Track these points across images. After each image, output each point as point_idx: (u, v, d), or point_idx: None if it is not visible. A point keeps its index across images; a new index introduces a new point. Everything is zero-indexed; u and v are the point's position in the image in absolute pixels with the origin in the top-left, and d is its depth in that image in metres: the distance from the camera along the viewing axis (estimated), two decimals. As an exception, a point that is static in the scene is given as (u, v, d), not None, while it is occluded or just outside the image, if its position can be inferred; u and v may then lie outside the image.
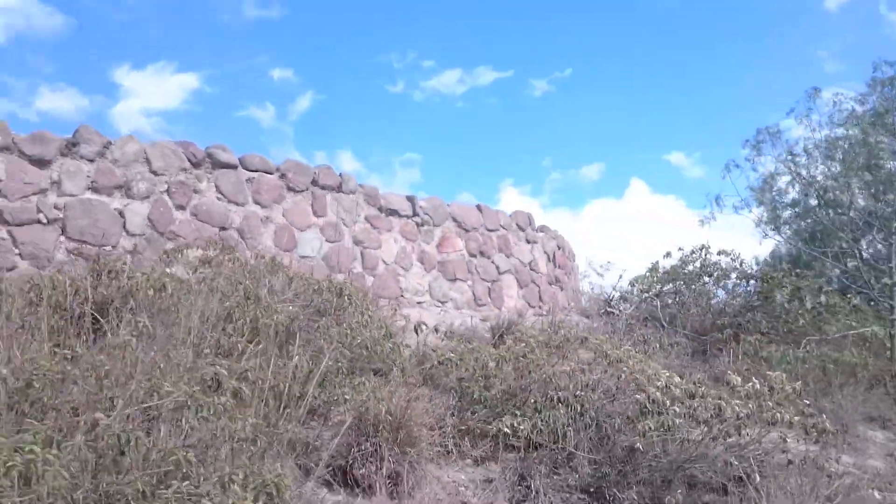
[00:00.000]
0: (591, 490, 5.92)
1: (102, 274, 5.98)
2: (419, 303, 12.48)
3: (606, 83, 44.30)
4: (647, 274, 14.90)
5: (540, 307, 14.93)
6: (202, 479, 3.20)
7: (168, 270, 6.82)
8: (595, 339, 7.26)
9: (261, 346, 4.94)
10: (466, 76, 42.46)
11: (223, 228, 10.34)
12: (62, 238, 9.18)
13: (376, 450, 5.42)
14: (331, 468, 5.26)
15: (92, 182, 9.46)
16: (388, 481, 5.45)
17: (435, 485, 5.76)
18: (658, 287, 14.42)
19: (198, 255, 7.09)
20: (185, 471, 3.13)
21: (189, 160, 10.31)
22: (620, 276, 15.55)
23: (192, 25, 39.49)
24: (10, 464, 3.14)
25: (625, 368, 6.61)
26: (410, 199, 12.92)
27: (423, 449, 5.69)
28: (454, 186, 50.75)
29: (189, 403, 3.55)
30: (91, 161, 9.53)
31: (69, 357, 3.88)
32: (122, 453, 3.23)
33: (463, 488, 5.83)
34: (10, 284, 5.39)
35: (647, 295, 14.43)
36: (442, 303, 12.87)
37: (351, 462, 5.38)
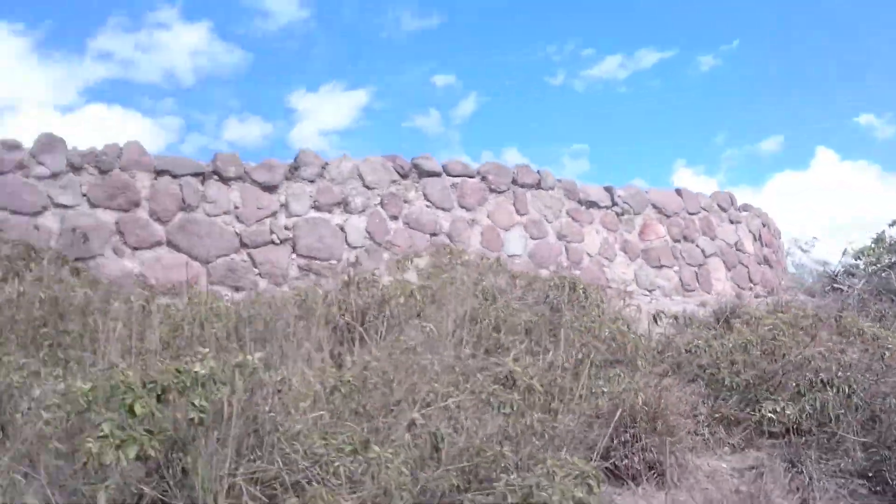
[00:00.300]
0: (870, 475, 5.56)
1: (351, 286, 6.36)
2: (626, 292, 12.27)
3: (778, 50, 41.29)
4: (873, 245, 13.77)
5: (751, 289, 14.25)
6: (507, 471, 3.31)
7: (402, 277, 7.13)
8: (849, 317, 6.81)
9: (524, 345, 5.07)
10: (628, 60, 41.19)
11: (433, 234, 10.69)
12: (293, 256, 9.88)
13: (636, 440, 5.37)
14: (593, 459, 5.27)
15: (314, 202, 10.11)
16: (650, 471, 5.40)
17: (698, 473, 5.63)
18: (888, 258, 13.28)
19: (429, 262, 7.39)
20: (503, 464, 3.27)
21: (397, 172, 10.76)
22: (845, 251, 14.43)
23: (356, 45, 41.24)
24: (336, 463, 3.40)
25: (889, 346, 6.14)
26: (608, 189, 12.75)
27: (682, 438, 5.57)
28: (624, 173, 49.28)
29: (491, 400, 3.70)
30: (312, 182, 10.18)
31: (364, 364, 4.16)
32: (437, 449, 3.42)
33: (728, 476, 5.65)
34: (280, 300, 5.85)
35: (874, 268, 13.34)
36: (649, 291, 12.59)
37: (612, 453, 5.36)
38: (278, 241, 9.81)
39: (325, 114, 41.81)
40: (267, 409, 3.36)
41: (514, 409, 3.73)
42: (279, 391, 3.49)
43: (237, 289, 9.38)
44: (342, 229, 10.20)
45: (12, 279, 6.45)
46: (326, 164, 10.33)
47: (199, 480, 3.37)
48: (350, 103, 42.42)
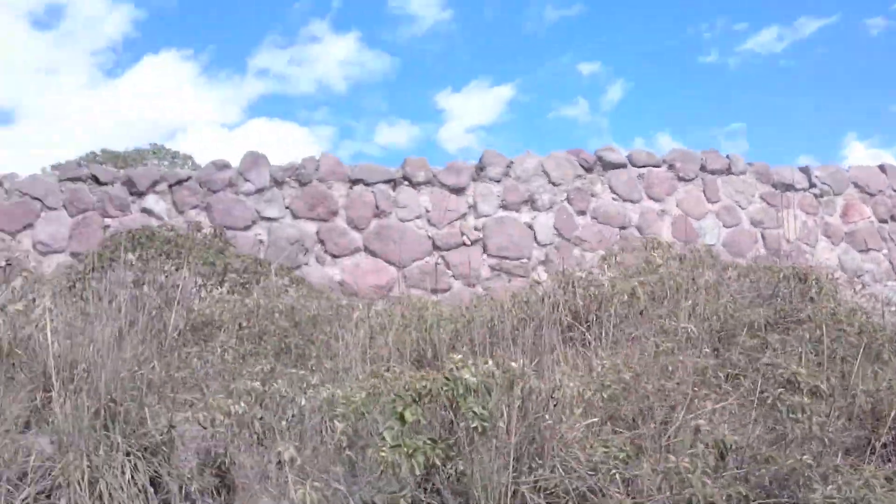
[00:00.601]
0: None
1: (567, 285, 6.27)
2: (858, 281, 11.47)
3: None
4: None
5: (973, 270, 12.92)
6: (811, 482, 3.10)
7: (612, 275, 6.95)
8: None
9: (776, 343, 4.79)
10: (785, 31, 38.54)
11: (622, 227, 10.44)
12: (484, 256, 9.94)
13: (897, 443, 4.94)
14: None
15: (502, 201, 10.12)
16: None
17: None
18: None
19: (637, 256, 7.17)
20: (806, 473, 3.07)
21: (581, 166, 10.58)
22: None
23: (499, 40, 41.30)
24: (613, 472, 3.32)
25: None
26: (804, 170, 11.95)
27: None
28: (787, 152, 45.91)
29: (777, 404, 3.51)
30: (497, 181, 10.21)
31: (614, 368, 4.06)
32: (722, 457, 3.27)
33: None
34: (499, 301, 5.86)
35: None
36: (857, 276, 11.68)
37: (871, 456, 4.96)
38: (469, 243, 9.91)
39: (470, 111, 42.33)
40: (546, 416, 3.33)
41: (807, 413, 3.50)
42: (552, 397, 3.45)
43: (433, 291, 9.54)
44: (530, 227, 10.16)
45: (243, 291, 6.86)
46: (511, 162, 10.32)
47: (479, 488, 3.38)
48: (495, 99, 42.66)
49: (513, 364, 3.61)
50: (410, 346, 5.79)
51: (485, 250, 9.94)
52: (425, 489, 3.57)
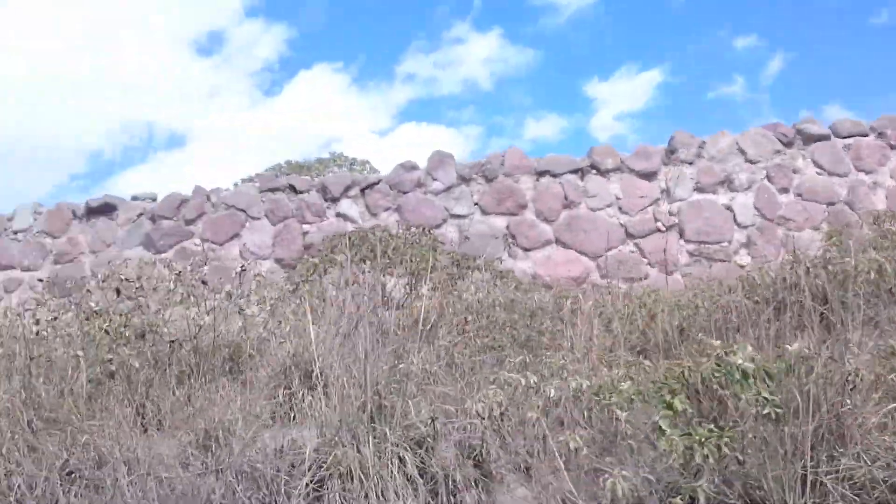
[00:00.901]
0: None
1: (796, 265, 5.86)
2: None
3: None
4: None
5: None
6: None
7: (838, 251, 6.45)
8: None
9: None
10: (977, -24, 34.60)
11: (830, 203, 9.71)
12: (681, 242, 9.55)
13: None
14: None
15: (696, 183, 9.70)
16: None
17: None
18: None
19: (861, 234, 6.64)
20: None
21: (780, 141, 9.96)
22: None
23: (645, 22, 39.94)
24: None
25: None
26: None
27: None
28: None
29: None
30: (690, 164, 9.79)
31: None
32: None
33: None
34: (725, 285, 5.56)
35: None
36: None
37: None
38: (664, 228, 9.57)
39: (619, 99, 41.30)
40: (847, 400, 3.07)
41: None
42: (848, 380, 3.18)
43: (629, 280, 9.28)
44: (729, 209, 9.67)
45: (452, 286, 6.93)
46: (703, 142, 9.88)
47: (769, 479, 3.17)
48: (644, 84, 41.38)
49: (788, 347, 3.37)
50: (636, 334, 5.64)
51: (681, 236, 9.56)
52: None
